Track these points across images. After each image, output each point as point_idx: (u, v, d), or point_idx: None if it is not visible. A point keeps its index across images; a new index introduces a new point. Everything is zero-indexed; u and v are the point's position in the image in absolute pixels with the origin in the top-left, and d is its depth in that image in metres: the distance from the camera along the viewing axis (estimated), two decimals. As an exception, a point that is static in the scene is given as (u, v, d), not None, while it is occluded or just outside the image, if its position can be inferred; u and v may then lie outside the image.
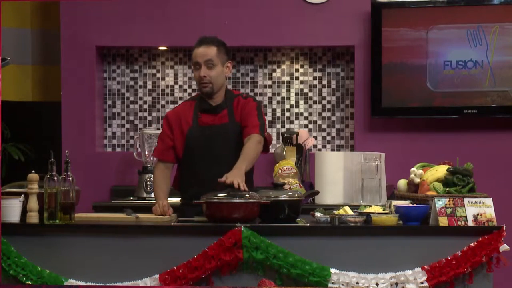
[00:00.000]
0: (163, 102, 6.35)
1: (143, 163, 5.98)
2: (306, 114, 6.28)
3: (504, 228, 3.98)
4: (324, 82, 6.27)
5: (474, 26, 5.85)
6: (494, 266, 3.97)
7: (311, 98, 6.28)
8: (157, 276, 3.95)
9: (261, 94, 6.30)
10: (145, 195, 5.84)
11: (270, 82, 6.31)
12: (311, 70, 6.28)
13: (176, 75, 6.34)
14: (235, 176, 4.13)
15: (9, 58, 4.47)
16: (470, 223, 3.99)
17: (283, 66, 6.29)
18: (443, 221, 3.98)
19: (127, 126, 6.36)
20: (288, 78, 6.30)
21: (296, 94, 6.29)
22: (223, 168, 4.37)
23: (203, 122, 4.52)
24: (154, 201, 5.58)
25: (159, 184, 4.56)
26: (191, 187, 4.51)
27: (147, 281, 3.96)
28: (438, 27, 5.88)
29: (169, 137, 4.56)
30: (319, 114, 6.28)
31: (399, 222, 4.05)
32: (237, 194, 4.06)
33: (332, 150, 6.26)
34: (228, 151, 4.48)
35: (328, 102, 6.27)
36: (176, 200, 4.74)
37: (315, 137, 6.25)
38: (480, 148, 5.92)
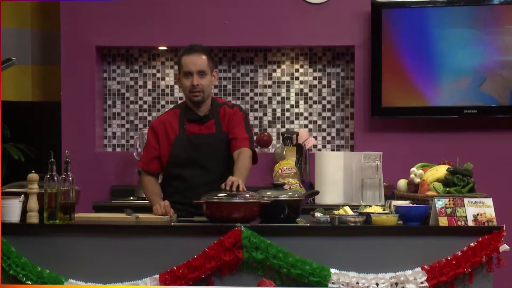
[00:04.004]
0: (163, 102, 6.35)
1: (143, 163, 5.98)
2: (306, 114, 6.28)
3: (504, 228, 3.98)
4: (324, 82, 6.27)
5: (474, 25, 5.85)
6: (494, 266, 3.97)
7: (311, 98, 6.28)
8: (157, 276, 3.95)
9: (261, 94, 6.30)
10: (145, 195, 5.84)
11: (270, 82, 6.31)
12: (311, 70, 6.28)
13: (176, 75, 6.32)
14: (237, 178, 4.15)
15: (14, 59, 4.47)
16: (470, 223, 3.99)
17: (283, 66, 6.29)
18: (443, 221, 3.98)
19: (127, 126, 6.36)
20: (288, 78, 6.30)
21: (296, 94, 6.29)
22: (208, 177, 4.42)
23: (190, 132, 4.51)
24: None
25: (150, 188, 4.56)
26: (174, 194, 4.52)
27: (147, 281, 3.96)
28: (438, 27, 5.88)
29: (154, 147, 4.55)
30: (319, 114, 6.28)
31: (399, 222, 4.05)
32: (237, 194, 4.06)
33: (332, 150, 6.26)
34: (214, 160, 4.49)
35: (328, 102, 6.27)
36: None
37: (315, 137, 6.25)
38: (480, 148, 5.92)
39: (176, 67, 6.30)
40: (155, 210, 4.36)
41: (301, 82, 6.29)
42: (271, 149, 6.17)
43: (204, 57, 4.48)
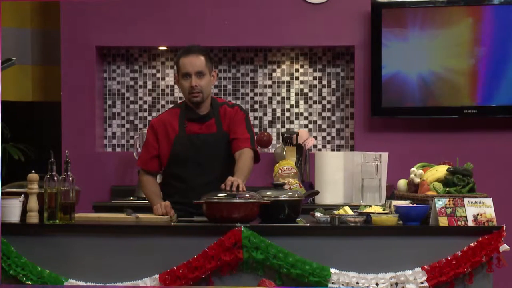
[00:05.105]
0: (163, 102, 6.35)
1: (143, 163, 5.98)
2: (306, 114, 6.28)
3: (504, 228, 3.98)
4: (324, 82, 6.27)
5: (474, 26, 5.85)
6: (494, 266, 3.97)
7: (311, 98, 6.28)
8: (157, 276, 3.95)
9: (261, 94, 6.30)
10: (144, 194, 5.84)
11: (270, 82, 6.31)
12: (311, 70, 6.28)
13: (175, 76, 6.32)
14: (237, 178, 4.15)
15: (14, 59, 4.47)
16: (470, 223, 3.99)
17: (283, 66, 6.29)
18: (443, 221, 3.98)
19: (127, 126, 6.36)
20: (288, 78, 6.30)
21: (296, 94, 6.29)
22: (208, 177, 4.42)
23: (190, 131, 4.51)
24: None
25: (149, 188, 4.56)
26: (174, 195, 4.51)
27: (147, 281, 3.96)
28: (438, 27, 5.87)
29: (153, 146, 4.55)
30: (319, 114, 6.28)
31: (399, 222, 4.05)
32: (237, 194, 4.06)
33: (332, 150, 6.26)
34: (214, 160, 4.49)
35: (328, 102, 6.27)
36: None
37: (315, 137, 6.25)
38: (480, 148, 5.92)
39: (176, 67, 6.31)
40: (155, 210, 4.36)
41: (301, 82, 6.29)
42: (271, 149, 6.17)
43: (202, 57, 4.48)
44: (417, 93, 5.91)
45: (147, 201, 5.82)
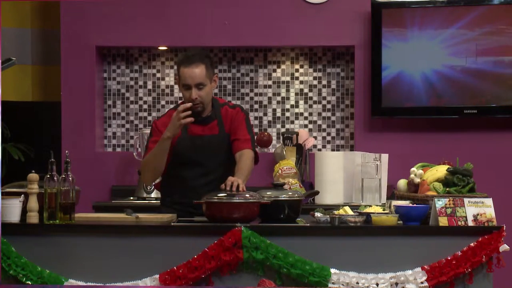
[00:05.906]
0: (163, 102, 6.35)
1: (143, 163, 5.97)
2: (306, 114, 6.28)
3: (504, 228, 3.98)
4: (324, 82, 6.27)
5: (474, 26, 5.85)
6: (494, 266, 3.97)
7: (311, 98, 6.28)
8: (157, 276, 3.95)
9: (261, 94, 6.30)
10: (145, 195, 5.84)
11: (270, 82, 6.31)
12: (311, 70, 6.28)
13: (176, 75, 6.32)
14: (237, 178, 4.16)
15: (14, 59, 4.47)
16: (470, 223, 3.99)
17: (283, 66, 6.29)
18: (443, 221, 3.98)
19: (127, 126, 6.36)
20: (288, 78, 6.30)
21: (296, 94, 6.29)
22: (209, 177, 4.42)
23: (192, 132, 4.50)
24: (154, 201, 5.63)
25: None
26: (174, 195, 4.51)
27: (147, 281, 3.96)
28: (438, 27, 5.88)
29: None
30: (319, 114, 6.28)
31: (399, 222, 4.05)
32: (237, 194, 4.06)
33: (332, 150, 6.26)
34: (216, 161, 4.49)
35: (328, 102, 6.27)
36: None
37: (315, 137, 6.25)
38: (480, 148, 5.92)
39: (176, 66, 6.31)
40: (175, 130, 4.30)
41: (301, 82, 6.29)
42: (271, 149, 6.17)
43: (202, 66, 4.43)
44: (418, 93, 5.90)
45: (147, 201, 5.84)
